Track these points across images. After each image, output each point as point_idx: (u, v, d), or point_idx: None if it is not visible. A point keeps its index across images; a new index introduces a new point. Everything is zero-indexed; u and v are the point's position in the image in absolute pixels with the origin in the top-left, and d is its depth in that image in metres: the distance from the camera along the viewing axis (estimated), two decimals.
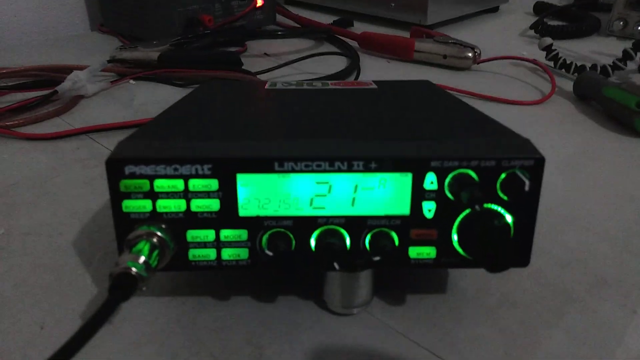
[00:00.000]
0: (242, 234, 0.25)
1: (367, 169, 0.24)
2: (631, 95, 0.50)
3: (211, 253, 0.25)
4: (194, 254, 0.25)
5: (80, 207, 0.38)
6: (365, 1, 0.93)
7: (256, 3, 0.74)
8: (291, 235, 0.25)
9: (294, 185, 0.24)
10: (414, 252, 0.25)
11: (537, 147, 0.25)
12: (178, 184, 0.23)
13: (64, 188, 0.41)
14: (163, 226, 0.24)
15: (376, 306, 0.29)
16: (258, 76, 0.63)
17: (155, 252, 0.23)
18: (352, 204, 0.24)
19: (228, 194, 0.24)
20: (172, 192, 0.24)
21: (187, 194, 0.24)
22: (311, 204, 0.24)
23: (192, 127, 0.27)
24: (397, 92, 0.40)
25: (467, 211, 0.24)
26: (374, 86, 0.43)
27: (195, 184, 0.24)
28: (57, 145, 0.48)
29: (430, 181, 0.24)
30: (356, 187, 0.24)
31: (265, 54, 0.76)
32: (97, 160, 0.45)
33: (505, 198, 0.24)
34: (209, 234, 0.24)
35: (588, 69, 0.65)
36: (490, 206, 0.24)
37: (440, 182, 0.24)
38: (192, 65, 0.63)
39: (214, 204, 0.24)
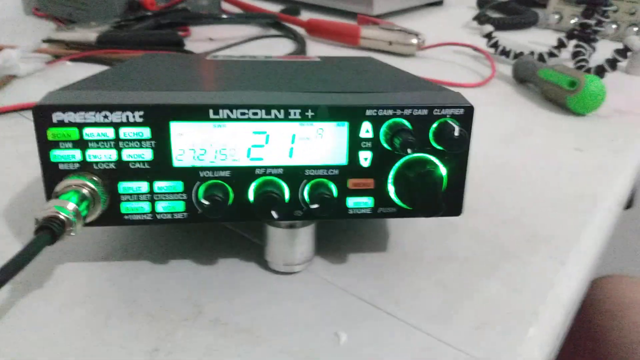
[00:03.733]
0: (177, 185, 0.24)
1: (303, 117, 0.24)
2: (564, 75, 0.53)
3: (145, 206, 0.24)
4: (127, 207, 0.24)
5: (10, 180, 0.36)
6: None
7: None
8: (228, 187, 0.24)
9: (230, 135, 0.24)
10: (352, 202, 0.25)
11: (477, 121, 0.25)
12: (108, 132, 0.23)
13: None
14: (95, 178, 0.23)
15: (318, 264, 0.29)
16: None
17: (86, 203, 0.22)
18: (290, 154, 0.24)
19: (162, 143, 0.23)
20: (103, 141, 0.23)
21: (118, 143, 0.23)
22: (249, 154, 0.24)
23: (126, 81, 0.26)
24: (340, 63, 0.40)
25: (403, 160, 0.25)
26: (318, 59, 0.43)
27: (126, 132, 0.23)
28: None
29: (366, 130, 0.24)
30: (293, 137, 0.24)
31: (210, 38, 0.75)
32: (30, 137, 0.43)
33: (438, 148, 0.25)
34: (142, 186, 0.24)
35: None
36: (424, 155, 0.25)
37: (376, 131, 0.24)
38: (131, 47, 0.61)
39: (146, 154, 0.23)
